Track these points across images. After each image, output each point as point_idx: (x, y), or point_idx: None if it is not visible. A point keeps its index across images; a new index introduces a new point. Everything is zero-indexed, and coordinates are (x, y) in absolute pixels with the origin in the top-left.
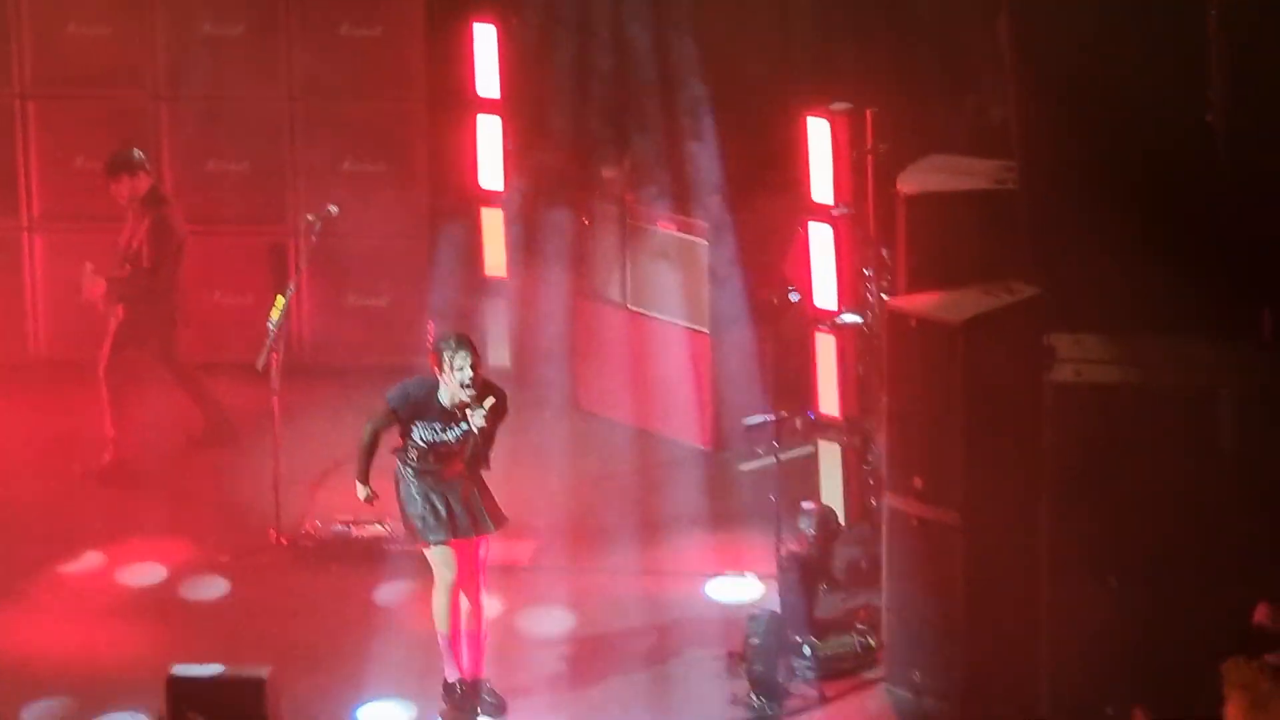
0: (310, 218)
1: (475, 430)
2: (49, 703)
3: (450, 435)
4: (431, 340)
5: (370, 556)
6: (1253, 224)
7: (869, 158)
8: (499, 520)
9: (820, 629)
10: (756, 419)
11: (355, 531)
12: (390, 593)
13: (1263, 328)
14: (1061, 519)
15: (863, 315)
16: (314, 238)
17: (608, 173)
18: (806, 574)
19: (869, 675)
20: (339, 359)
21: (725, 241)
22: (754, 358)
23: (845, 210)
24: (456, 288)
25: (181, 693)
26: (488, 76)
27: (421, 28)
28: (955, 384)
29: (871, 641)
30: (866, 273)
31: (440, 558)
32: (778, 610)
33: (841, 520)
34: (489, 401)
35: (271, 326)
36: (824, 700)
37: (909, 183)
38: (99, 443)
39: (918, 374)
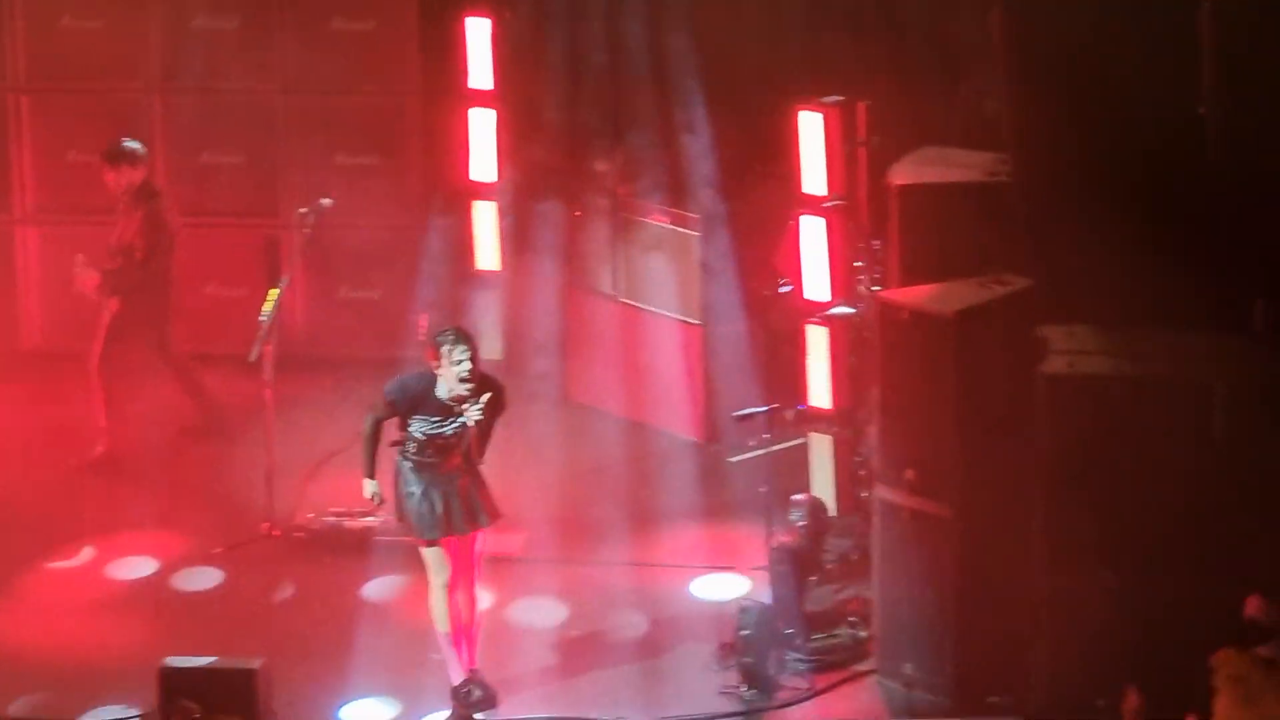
0: (303, 210)
1: (472, 424)
2: (38, 696)
3: (448, 428)
4: (423, 333)
5: (363, 548)
6: (1246, 215)
7: (861, 150)
8: (494, 515)
9: (811, 621)
10: (747, 411)
11: (348, 523)
12: (383, 585)
13: (1256, 319)
14: (1054, 511)
15: (855, 307)
16: (307, 230)
17: (600, 165)
18: (797, 566)
19: (860, 668)
20: (332, 351)
21: (717, 234)
22: (746, 350)
23: (837, 202)
24: (449, 280)
25: (174, 683)
26: (480, 69)
27: (414, 21)
28: (947, 376)
29: (862, 634)
30: (859, 265)
31: (435, 557)
32: (768, 602)
33: (832, 512)
34: (486, 396)
35: (264, 319)
36: (815, 692)
37: (901, 175)
38: (91, 434)
39: (910, 366)
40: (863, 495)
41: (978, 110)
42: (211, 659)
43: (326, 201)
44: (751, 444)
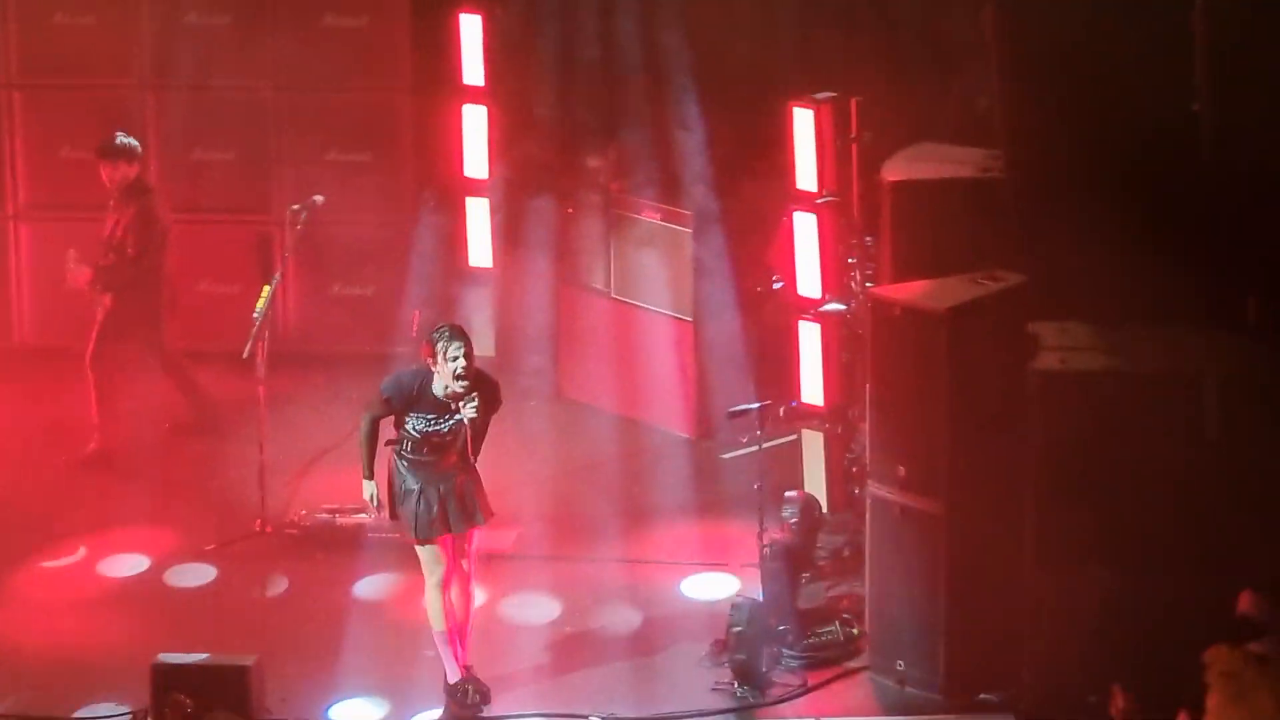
0: (295, 207)
1: (467, 421)
2: (31, 693)
3: (443, 426)
4: (415, 329)
5: (355, 545)
6: (1238, 212)
7: (854, 146)
8: (489, 514)
9: (804, 618)
10: (740, 407)
11: (340, 520)
12: (375, 582)
13: (1248, 315)
14: (1046, 507)
15: (847, 303)
16: (299, 227)
17: (592, 162)
18: (790, 562)
19: (852, 664)
20: (324, 348)
21: (710, 230)
22: (738, 346)
23: (830, 198)
24: (441, 276)
25: (166, 680)
26: (473, 66)
27: (406, 17)
28: (940, 372)
29: (855, 630)
30: (851, 261)
31: (429, 556)
32: (761, 599)
33: (825, 509)
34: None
35: (257, 315)
36: (807, 689)
37: (894, 171)
38: (84, 431)
39: (902, 362)
40: (855, 492)
41: (970, 106)
42: (204, 655)
43: (318, 198)
44: (744, 440)
